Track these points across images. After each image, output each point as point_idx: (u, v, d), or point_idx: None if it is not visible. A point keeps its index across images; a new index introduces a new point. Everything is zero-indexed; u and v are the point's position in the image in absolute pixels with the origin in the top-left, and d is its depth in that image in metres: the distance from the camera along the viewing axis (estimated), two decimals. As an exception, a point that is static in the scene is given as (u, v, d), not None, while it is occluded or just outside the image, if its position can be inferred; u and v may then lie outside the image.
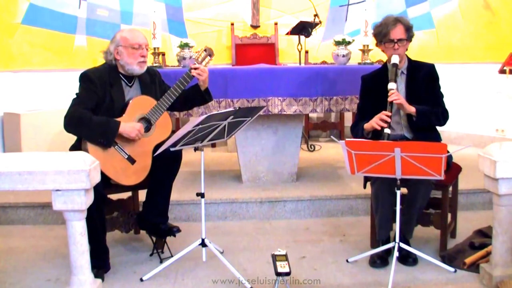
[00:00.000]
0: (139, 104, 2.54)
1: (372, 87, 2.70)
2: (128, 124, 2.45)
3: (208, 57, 2.66)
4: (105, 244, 2.51)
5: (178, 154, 2.57)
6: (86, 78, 2.49)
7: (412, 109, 2.58)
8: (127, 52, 2.52)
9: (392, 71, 2.60)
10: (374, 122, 2.54)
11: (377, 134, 2.55)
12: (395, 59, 2.62)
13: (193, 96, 2.71)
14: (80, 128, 2.42)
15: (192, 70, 2.58)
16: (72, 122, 2.41)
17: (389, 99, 2.54)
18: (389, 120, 2.52)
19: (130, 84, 2.60)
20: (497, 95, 4.53)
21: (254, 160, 3.54)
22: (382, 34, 2.64)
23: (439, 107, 2.65)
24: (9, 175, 2.02)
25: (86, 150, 2.38)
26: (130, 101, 2.53)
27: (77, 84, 2.54)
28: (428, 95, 2.65)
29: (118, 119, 2.46)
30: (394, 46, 2.62)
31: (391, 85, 2.56)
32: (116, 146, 2.46)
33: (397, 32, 2.61)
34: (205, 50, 2.67)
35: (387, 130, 2.50)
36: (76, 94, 2.50)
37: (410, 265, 2.50)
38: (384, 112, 2.53)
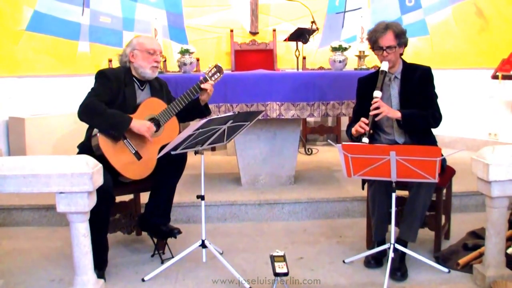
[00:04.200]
0: (150, 105, 2.63)
1: (366, 90, 2.70)
2: (140, 121, 2.53)
3: (218, 74, 2.74)
4: (106, 242, 2.53)
5: (183, 156, 2.61)
6: (102, 75, 2.58)
7: (397, 115, 2.58)
8: (142, 55, 2.62)
9: (380, 79, 2.61)
10: (354, 129, 2.58)
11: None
12: (384, 66, 2.62)
13: (192, 109, 2.77)
14: (94, 117, 2.48)
15: (202, 85, 2.66)
16: (86, 110, 2.47)
17: (371, 112, 2.55)
18: (367, 128, 2.52)
19: (142, 88, 2.69)
20: (490, 100, 4.58)
21: (253, 163, 3.58)
22: (372, 40, 2.66)
23: (430, 109, 2.63)
24: (14, 178, 2.04)
25: (97, 144, 2.45)
26: (143, 101, 2.62)
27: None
28: (421, 97, 2.63)
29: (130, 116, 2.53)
30: (383, 53, 2.62)
31: (376, 93, 2.57)
32: (125, 140, 2.53)
33: (386, 40, 2.60)
34: (215, 66, 2.74)
35: (364, 140, 2.50)
36: (92, 88, 2.56)
37: (398, 280, 2.39)
38: (363, 119, 2.55)
